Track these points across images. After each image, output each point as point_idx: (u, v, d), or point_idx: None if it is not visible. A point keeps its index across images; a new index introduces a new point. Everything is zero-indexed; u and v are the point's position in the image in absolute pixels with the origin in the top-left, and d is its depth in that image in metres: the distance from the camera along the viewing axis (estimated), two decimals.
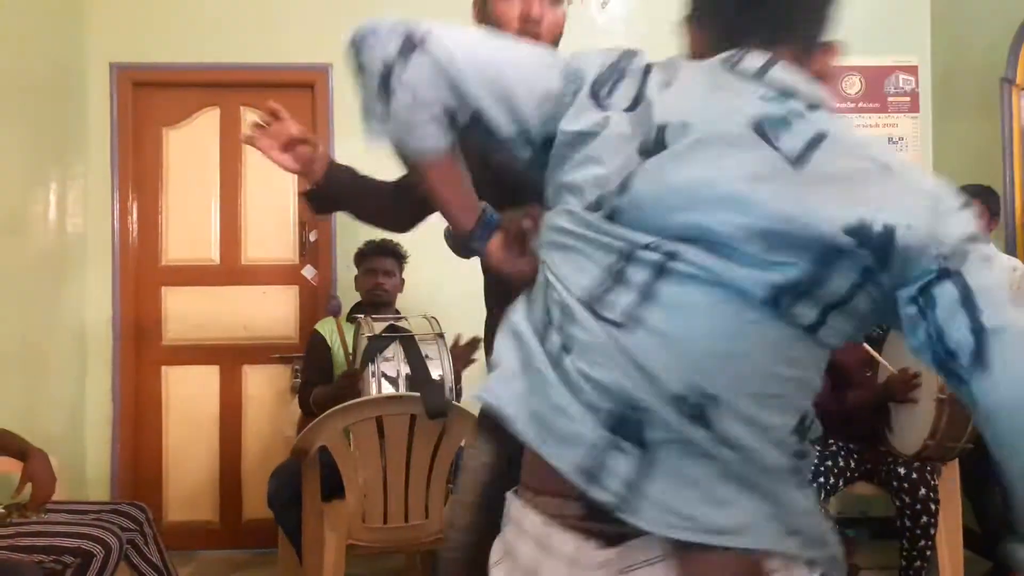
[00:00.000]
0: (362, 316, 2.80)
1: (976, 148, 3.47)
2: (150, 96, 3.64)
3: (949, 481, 2.78)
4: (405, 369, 2.50)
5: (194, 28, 3.61)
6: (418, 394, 2.41)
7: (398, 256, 3.15)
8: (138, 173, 3.62)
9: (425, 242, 3.25)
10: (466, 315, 3.38)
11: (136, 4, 3.60)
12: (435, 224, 3.76)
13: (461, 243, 1.19)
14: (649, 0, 3.78)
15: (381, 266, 3.11)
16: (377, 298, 3.08)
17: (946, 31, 3.76)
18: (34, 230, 3.15)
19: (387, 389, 2.47)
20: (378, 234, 3.18)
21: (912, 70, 3.82)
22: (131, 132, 3.59)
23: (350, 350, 2.92)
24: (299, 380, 3.36)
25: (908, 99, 3.81)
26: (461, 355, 2.82)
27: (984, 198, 3.01)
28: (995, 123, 3.33)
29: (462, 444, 2.42)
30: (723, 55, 0.99)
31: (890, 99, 3.79)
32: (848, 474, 2.86)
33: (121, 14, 3.59)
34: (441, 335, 2.65)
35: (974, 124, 3.52)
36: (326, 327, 3.10)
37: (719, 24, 1.04)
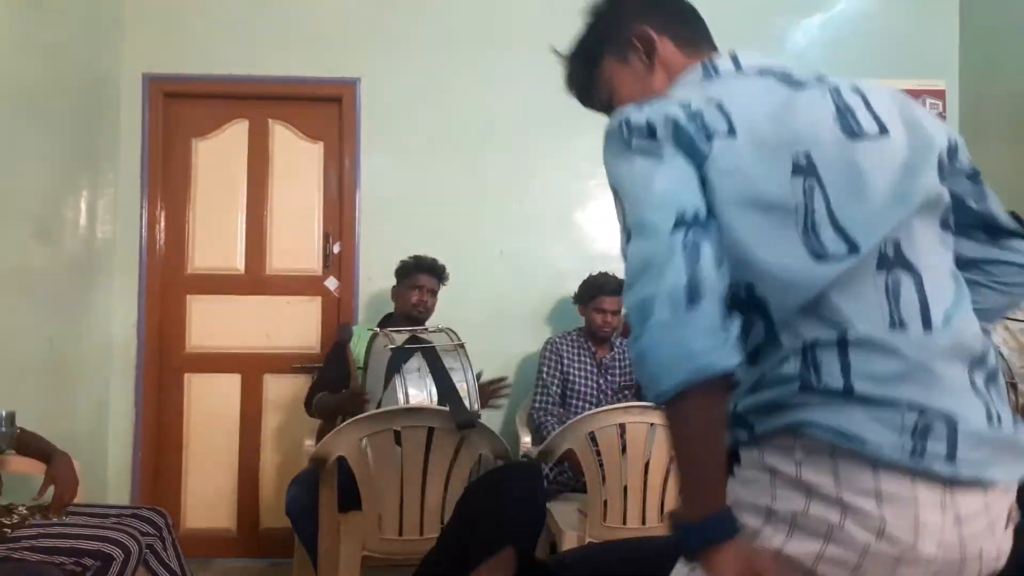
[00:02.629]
0: (379, 329, 2.82)
1: (1006, 173, 3.44)
2: (181, 107, 3.70)
3: None
4: (432, 386, 2.52)
5: (225, 41, 3.67)
6: (438, 407, 2.42)
7: (442, 276, 3.18)
8: (167, 182, 3.68)
9: (444, 256, 3.28)
10: (482, 331, 3.40)
11: (170, 17, 3.68)
12: (451, 238, 3.78)
13: (686, 529, 0.92)
14: None
15: (427, 284, 3.15)
16: (420, 315, 3.12)
17: (974, 55, 3.74)
18: (65, 236, 3.21)
19: (414, 399, 2.48)
20: (417, 248, 3.22)
21: (939, 94, 3.79)
22: (161, 142, 3.65)
23: (360, 364, 2.94)
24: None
25: None
26: (483, 394, 2.83)
27: None
28: None
29: (480, 455, 2.43)
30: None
31: None
32: None
33: (155, 27, 3.67)
34: (462, 345, 2.67)
35: (1002, 148, 3.49)
36: (357, 336, 3.12)
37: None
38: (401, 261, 3.22)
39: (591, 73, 1.25)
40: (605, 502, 2.51)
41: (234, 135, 3.73)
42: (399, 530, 2.39)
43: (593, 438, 2.49)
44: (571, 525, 2.61)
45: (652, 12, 1.21)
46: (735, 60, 1.13)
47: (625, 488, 2.50)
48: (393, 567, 2.82)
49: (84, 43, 3.38)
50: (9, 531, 2.09)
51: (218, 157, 3.72)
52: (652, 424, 2.46)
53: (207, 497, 3.64)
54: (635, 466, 2.49)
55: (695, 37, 1.20)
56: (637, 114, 1.02)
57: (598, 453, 2.50)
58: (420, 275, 3.15)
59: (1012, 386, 2.44)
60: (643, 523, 2.49)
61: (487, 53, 3.73)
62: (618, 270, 3.33)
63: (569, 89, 1.31)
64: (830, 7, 3.80)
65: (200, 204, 3.71)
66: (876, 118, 1.06)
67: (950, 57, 3.82)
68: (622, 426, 2.47)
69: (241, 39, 3.67)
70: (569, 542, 2.52)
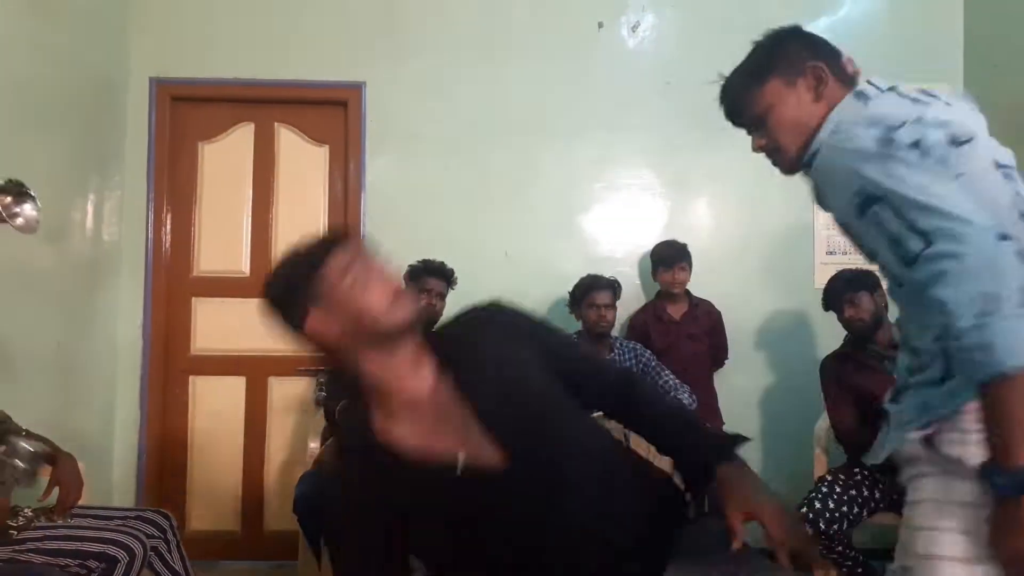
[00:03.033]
0: None
1: None
2: (187, 110, 3.71)
3: None
4: None
5: (232, 45, 3.69)
6: None
7: (450, 280, 3.18)
8: (173, 185, 3.69)
9: (449, 259, 3.29)
10: None
11: (177, 21, 3.69)
12: (456, 241, 3.77)
13: (1010, 475, 1.15)
14: (679, 23, 3.80)
15: (435, 287, 3.14)
16: (429, 319, 3.12)
17: (980, 58, 3.73)
18: (72, 238, 3.22)
19: None
20: (422, 251, 3.23)
21: None
22: (168, 145, 3.67)
23: None
24: (323, 393, 3.39)
25: None
26: None
27: None
28: None
29: None
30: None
31: None
32: (872, 504, 2.82)
33: (162, 30, 3.68)
34: None
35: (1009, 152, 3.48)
36: None
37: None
38: (409, 265, 3.22)
39: (752, 90, 1.45)
40: None
41: (240, 138, 3.74)
42: None
43: None
44: None
45: (821, 52, 1.44)
46: (874, 84, 1.39)
47: None
48: None
49: (91, 47, 3.40)
50: (15, 533, 2.09)
51: (224, 160, 3.73)
52: None
53: (212, 499, 3.65)
54: None
55: (845, 77, 1.43)
56: (928, 133, 1.24)
57: None
58: (428, 278, 3.15)
59: None
60: None
61: (491, 57, 3.74)
62: (611, 271, 3.35)
63: (721, 100, 1.51)
64: (835, 10, 3.79)
65: (206, 207, 3.72)
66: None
67: (955, 60, 3.82)
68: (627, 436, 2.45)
69: (247, 43, 3.69)
70: None
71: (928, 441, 1.29)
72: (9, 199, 2.11)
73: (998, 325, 1.11)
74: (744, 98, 1.46)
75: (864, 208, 1.24)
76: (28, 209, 2.12)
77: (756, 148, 1.50)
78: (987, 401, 1.17)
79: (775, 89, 1.43)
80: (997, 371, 1.11)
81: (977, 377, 1.14)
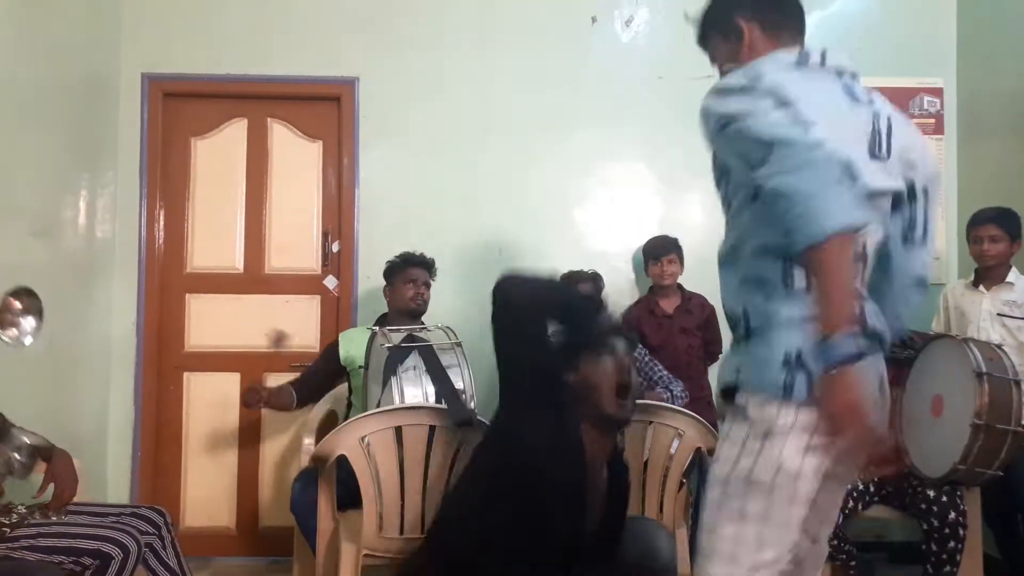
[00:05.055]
0: (377, 328, 2.82)
1: (1001, 170, 3.45)
2: (180, 106, 3.70)
3: (971, 506, 2.74)
4: (428, 385, 2.52)
5: (224, 41, 3.67)
6: (438, 406, 2.43)
7: (431, 269, 3.20)
8: (166, 181, 3.68)
9: (443, 255, 3.28)
10: (480, 329, 3.40)
11: (169, 17, 3.67)
12: (450, 236, 3.76)
13: (825, 344, 1.20)
14: (673, 17, 3.80)
15: (420, 276, 3.17)
16: (419, 308, 3.14)
17: (972, 53, 3.75)
18: (64, 235, 3.20)
19: (410, 399, 2.48)
20: (416, 247, 3.23)
21: (937, 92, 3.80)
22: (160, 141, 3.65)
23: (360, 364, 2.94)
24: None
25: (933, 121, 3.79)
26: None
27: (1004, 221, 2.98)
28: (1021, 145, 3.30)
29: None
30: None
31: (914, 120, 3.77)
32: (867, 497, 2.83)
33: (154, 26, 3.67)
34: (459, 344, 2.67)
35: (999, 146, 3.49)
36: (352, 338, 3.13)
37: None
38: (388, 261, 3.23)
39: (704, 38, 1.67)
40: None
41: (233, 134, 3.73)
42: (400, 528, 2.39)
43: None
44: None
45: (747, 3, 1.58)
46: (823, 56, 1.47)
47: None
48: (394, 565, 2.82)
49: (83, 42, 3.38)
50: (8, 530, 2.09)
51: (217, 156, 3.72)
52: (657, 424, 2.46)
53: (206, 496, 3.64)
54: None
55: (780, 23, 1.56)
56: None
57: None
58: (412, 269, 3.17)
59: (1016, 384, 2.44)
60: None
61: (485, 52, 3.73)
62: (605, 266, 3.34)
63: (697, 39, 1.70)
64: (828, 5, 3.79)
65: (199, 203, 3.71)
66: (889, 147, 1.44)
67: (948, 55, 3.83)
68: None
69: (240, 38, 3.67)
70: None
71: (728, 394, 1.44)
72: (20, 307, 2.08)
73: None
74: (702, 41, 1.69)
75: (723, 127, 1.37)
76: (27, 323, 2.08)
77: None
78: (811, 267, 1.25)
79: (714, 40, 1.64)
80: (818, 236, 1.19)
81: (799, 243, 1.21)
